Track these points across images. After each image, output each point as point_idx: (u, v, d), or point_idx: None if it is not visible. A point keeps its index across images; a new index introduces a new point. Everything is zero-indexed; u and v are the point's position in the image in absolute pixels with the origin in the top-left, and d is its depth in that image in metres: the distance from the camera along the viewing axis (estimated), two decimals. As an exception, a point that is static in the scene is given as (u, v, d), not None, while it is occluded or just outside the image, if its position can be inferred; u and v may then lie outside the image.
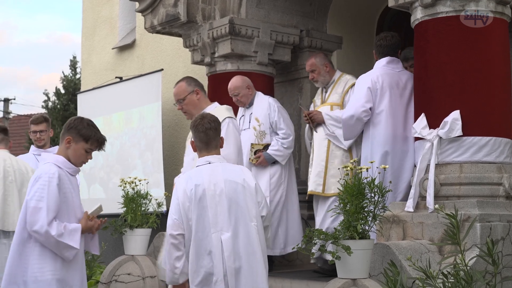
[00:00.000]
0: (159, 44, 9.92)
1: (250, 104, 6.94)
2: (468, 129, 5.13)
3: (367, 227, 4.55)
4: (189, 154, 5.23)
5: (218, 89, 7.38)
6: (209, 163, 4.24)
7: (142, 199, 6.81)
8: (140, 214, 6.71)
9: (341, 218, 4.62)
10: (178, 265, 4.12)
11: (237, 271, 4.07)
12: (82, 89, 11.72)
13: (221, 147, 4.39)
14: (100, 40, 11.33)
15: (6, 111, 26.85)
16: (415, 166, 5.42)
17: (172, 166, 9.08)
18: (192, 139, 4.39)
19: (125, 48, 10.71)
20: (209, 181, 4.15)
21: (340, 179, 4.69)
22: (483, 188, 5.08)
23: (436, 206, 4.67)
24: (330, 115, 6.38)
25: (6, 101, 26.98)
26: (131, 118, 9.78)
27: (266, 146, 6.78)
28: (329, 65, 6.64)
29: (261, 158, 6.72)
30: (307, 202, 7.08)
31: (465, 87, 5.18)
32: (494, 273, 4.35)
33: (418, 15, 5.38)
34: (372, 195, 4.55)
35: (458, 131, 5.12)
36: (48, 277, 4.04)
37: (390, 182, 5.00)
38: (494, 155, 5.17)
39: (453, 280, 4.15)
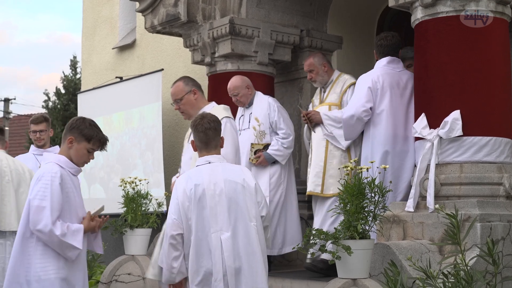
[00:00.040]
0: (159, 44, 9.92)
1: (250, 104, 6.93)
2: (469, 129, 5.13)
3: (367, 227, 4.55)
4: (187, 153, 5.23)
5: (218, 89, 7.38)
6: (209, 162, 4.25)
7: (142, 199, 6.81)
8: (140, 214, 6.71)
9: (340, 220, 4.62)
10: (175, 265, 4.13)
11: (237, 271, 4.07)
12: (82, 89, 11.72)
13: (222, 147, 4.39)
14: (101, 40, 11.33)
15: (6, 111, 26.85)
16: (415, 166, 5.42)
17: (172, 166, 9.07)
18: (192, 139, 4.40)
19: (126, 48, 10.71)
20: (208, 181, 4.15)
21: (341, 179, 4.69)
22: (484, 188, 5.08)
23: (437, 206, 4.67)
24: (328, 115, 6.37)
25: (6, 101, 26.98)
26: (132, 118, 9.78)
27: (266, 146, 6.78)
28: (327, 65, 6.63)
29: (261, 158, 6.72)
30: (307, 202, 7.08)
31: (465, 87, 5.18)
32: (494, 273, 4.35)
33: (418, 15, 5.38)
34: (373, 195, 4.56)
35: (458, 131, 5.12)
36: (51, 276, 4.05)
37: (391, 182, 5.00)
38: (495, 155, 5.17)
39: (453, 280, 4.15)
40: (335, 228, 4.62)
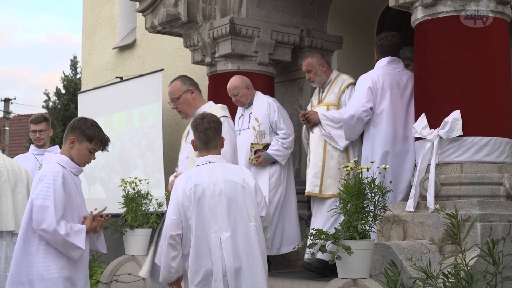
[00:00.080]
0: (159, 44, 9.93)
1: (250, 104, 6.92)
2: (469, 129, 5.13)
3: (367, 227, 4.55)
4: (184, 153, 5.24)
5: (218, 89, 7.37)
6: (209, 162, 4.25)
7: (142, 199, 6.81)
8: (140, 214, 6.72)
9: (339, 222, 4.62)
10: (173, 265, 4.14)
11: (237, 271, 4.07)
12: (82, 89, 11.72)
13: (222, 147, 4.39)
14: (101, 40, 11.33)
15: (7, 111, 26.85)
16: (415, 166, 5.42)
17: (172, 166, 9.05)
18: (192, 138, 4.40)
19: (126, 48, 10.71)
20: (208, 181, 4.15)
21: (341, 179, 4.69)
22: (484, 188, 5.08)
23: (437, 206, 4.67)
24: (326, 115, 6.36)
25: (7, 101, 26.98)
26: (132, 118, 9.79)
27: (266, 146, 6.77)
28: (326, 65, 6.62)
29: (261, 158, 6.71)
30: (307, 202, 7.08)
31: (465, 87, 5.18)
32: (494, 273, 4.36)
33: (418, 15, 5.38)
34: (373, 195, 4.56)
35: (458, 131, 5.12)
36: (54, 275, 4.05)
37: (391, 182, 5.00)
38: (495, 155, 5.17)
39: (453, 280, 4.15)
40: (335, 228, 4.62)
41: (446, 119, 5.13)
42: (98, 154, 4.40)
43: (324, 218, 6.23)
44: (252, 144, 6.77)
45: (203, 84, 8.06)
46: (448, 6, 5.21)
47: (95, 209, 4.31)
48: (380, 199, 4.55)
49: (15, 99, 28.31)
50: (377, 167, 4.90)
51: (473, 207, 4.88)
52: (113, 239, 7.59)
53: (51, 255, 4.06)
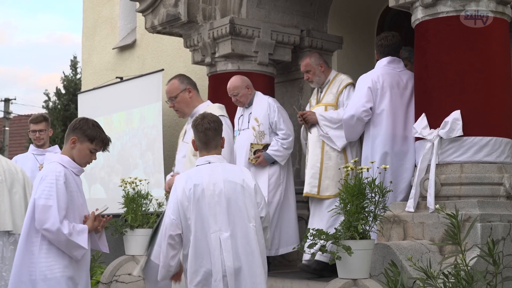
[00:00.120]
0: (159, 44, 9.93)
1: (250, 104, 6.92)
2: (469, 129, 5.13)
3: (367, 227, 4.55)
4: (181, 152, 5.24)
5: (218, 89, 7.37)
6: (209, 162, 4.25)
7: (142, 199, 6.81)
8: (140, 214, 6.72)
9: (338, 222, 4.62)
10: (173, 264, 4.15)
11: (237, 271, 4.07)
12: (82, 89, 11.73)
13: (222, 147, 4.39)
14: (101, 40, 11.33)
15: (7, 111, 26.85)
16: (415, 166, 5.42)
17: (172, 166, 9.07)
18: (193, 138, 4.40)
19: (126, 48, 10.72)
20: (208, 181, 4.15)
21: (340, 179, 4.69)
22: (484, 188, 5.08)
23: (437, 206, 4.67)
24: (324, 115, 6.36)
25: (7, 101, 26.98)
26: (132, 118, 9.79)
27: (266, 146, 6.76)
28: (324, 65, 6.61)
29: (261, 158, 6.70)
30: (307, 202, 7.07)
31: (465, 87, 5.18)
32: (494, 273, 4.36)
33: (418, 15, 5.38)
34: (373, 195, 4.56)
35: (458, 131, 5.12)
36: (58, 274, 4.06)
37: (391, 182, 5.00)
38: (495, 155, 5.17)
39: (453, 280, 4.15)
40: (335, 228, 4.62)
41: (446, 119, 5.14)
42: (99, 154, 4.41)
43: (322, 219, 6.23)
44: (251, 144, 6.76)
45: (203, 84, 8.06)
46: (448, 6, 5.21)
47: (96, 209, 4.32)
48: (380, 199, 4.56)
49: (15, 99, 28.33)
50: (377, 167, 4.90)
51: (473, 207, 4.88)
52: (113, 239, 7.59)
53: (53, 255, 4.07)
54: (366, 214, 4.54)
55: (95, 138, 4.25)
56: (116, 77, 10.46)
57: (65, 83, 21.19)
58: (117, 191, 7.57)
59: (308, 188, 6.36)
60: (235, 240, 4.09)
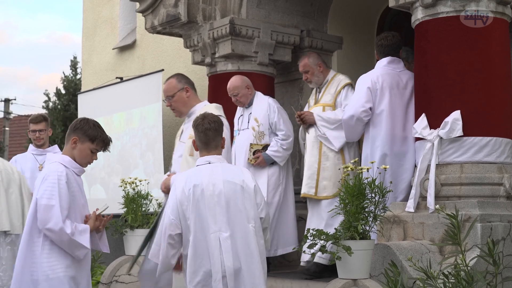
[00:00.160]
0: (159, 45, 9.93)
1: (250, 104, 6.91)
2: (469, 129, 5.13)
3: (367, 228, 4.55)
4: (177, 152, 5.25)
5: (218, 89, 7.37)
6: (209, 163, 4.24)
7: (142, 200, 6.81)
8: (140, 215, 6.72)
9: (338, 223, 4.62)
10: (173, 262, 4.17)
11: (236, 272, 4.07)
12: (82, 90, 11.72)
13: (223, 147, 4.39)
14: (101, 40, 11.33)
15: (7, 111, 26.85)
16: (415, 166, 5.42)
17: (169, 166, 9.07)
18: (193, 138, 4.40)
19: (126, 48, 10.72)
20: (208, 181, 4.15)
21: (339, 180, 4.69)
22: (484, 188, 5.08)
23: (437, 206, 4.67)
24: (322, 116, 6.34)
25: (7, 101, 26.99)
26: (132, 119, 9.79)
27: (266, 147, 6.75)
28: (323, 65, 6.60)
29: (260, 158, 6.69)
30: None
31: (465, 87, 5.18)
32: (494, 273, 4.36)
33: (418, 15, 5.38)
34: (373, 195, 4.56)
35: (458, 131, 5.12)
36: (60, 274, 4.06)
37: (391, 182, 5.00)
38: (495, 155, 5.17)
39: (453, 281, 4.15)
40: (335, 228, 4.62)
41: (446, 120, 5.14)
42: (99, 154, 4.42)
43: (319, 220, 6.22)
44: (251, 144, 6.75)
45: (203, 84, 8.07)
46: (448, 6, 5.22)
47: (97, 209, 4.32)
48: (380, 199, 4.56)
49: (15, 99, 28.35)
50: (377, 168, 4.90)
51: (473, 208, 4.88)
52: (113, 239, 7.59)
53: (55, 255, 4.07)
54: (366, 214, 4.54)
55: (96, 138, 4.26)
56: (116, 77, 10.46)
57: (65, 83, 21.19)
58: (117, 191, 7.57)
59: (306, 188, 6.35)
60: (234, 240, 4.09)
